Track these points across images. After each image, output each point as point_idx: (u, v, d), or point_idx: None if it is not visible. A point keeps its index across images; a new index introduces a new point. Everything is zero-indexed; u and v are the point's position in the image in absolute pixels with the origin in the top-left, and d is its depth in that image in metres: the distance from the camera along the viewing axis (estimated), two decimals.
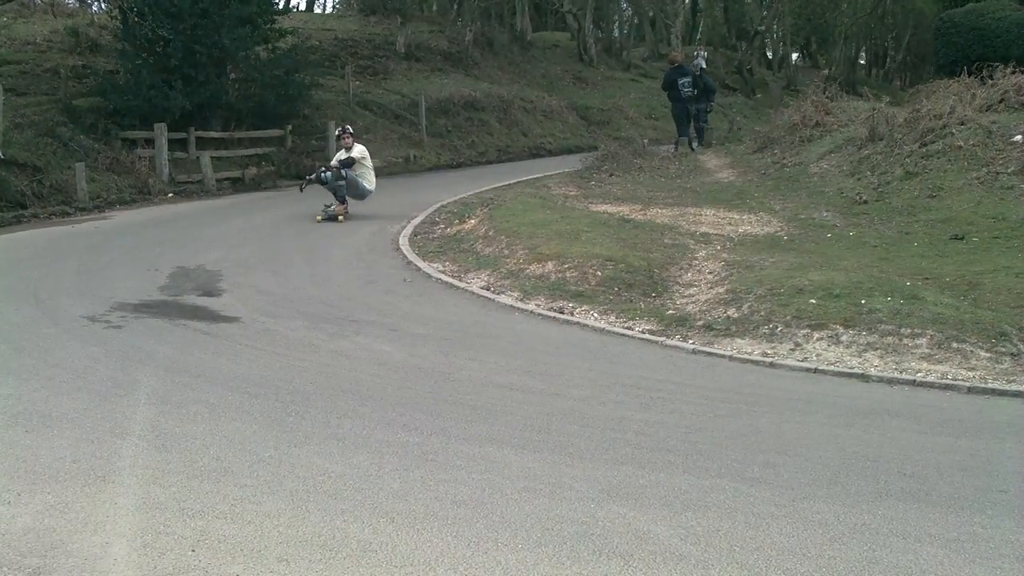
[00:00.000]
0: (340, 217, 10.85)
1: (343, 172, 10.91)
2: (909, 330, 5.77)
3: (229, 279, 7.87)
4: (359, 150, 11.15)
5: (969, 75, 12.91)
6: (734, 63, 32.45)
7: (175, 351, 5.59)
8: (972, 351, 5.53)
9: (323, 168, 11.24)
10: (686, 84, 16.32)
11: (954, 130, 10.47)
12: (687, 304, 6.85)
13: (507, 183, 13.99)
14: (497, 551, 3.06)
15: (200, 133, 14.78)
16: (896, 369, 5.44)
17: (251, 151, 15.64)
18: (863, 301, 6.14)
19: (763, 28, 33.79)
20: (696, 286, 7.25)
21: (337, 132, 11.55)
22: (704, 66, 17.02)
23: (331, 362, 5.49)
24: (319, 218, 10.81)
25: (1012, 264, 7.18)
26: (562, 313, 6.81)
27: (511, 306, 7.09)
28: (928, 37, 29.87)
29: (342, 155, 11.11)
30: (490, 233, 9.23)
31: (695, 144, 16.94)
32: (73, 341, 5.77)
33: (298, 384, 4.97)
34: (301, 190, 11.25)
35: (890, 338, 5.74)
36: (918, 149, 10.53)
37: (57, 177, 12.12)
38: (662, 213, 10.11)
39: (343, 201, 10.97)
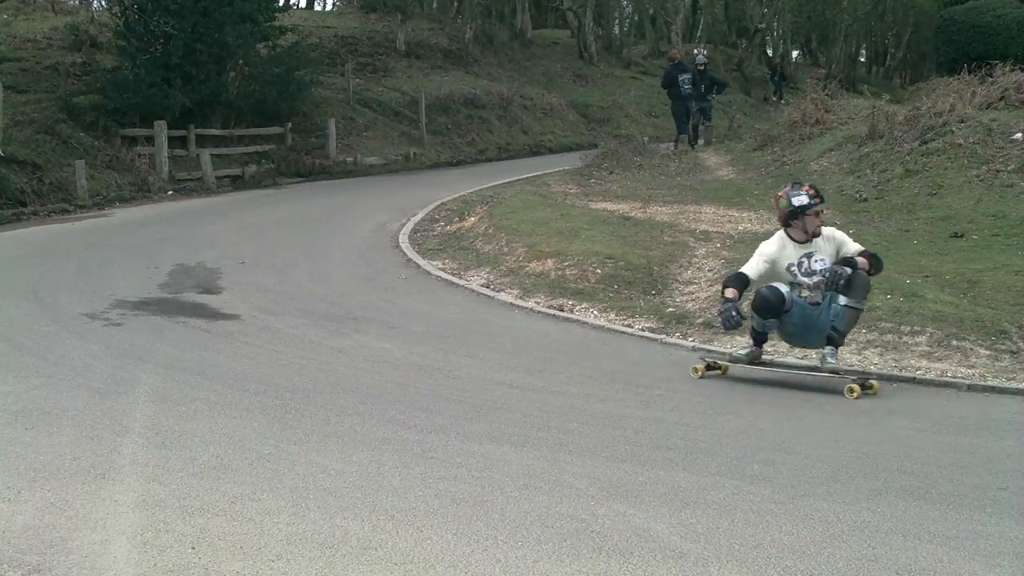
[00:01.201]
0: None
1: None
2: (909, 328, 5.77)
3: (229, 277, 7.86)
4: (842, 235, 5.44)
5: (969, 73, 12.89)
6: (734, 60, 32.41)
7: (175, 349, 5.59)
8: (972, 349, 5.53)
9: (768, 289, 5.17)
10: (686, 81, 16.30)
11: (954, 128, 10.46)
12: (687, 302, 6.84)
13: (507, 181, 13.97)
14: (496, 548, 3.06)
15: (200, 131, 14.77)
16: (896, 367, 5.44)
17: (251, 149, 15.64)
18: None
19: (763, 26, 33.74)
20: (696, 284, 7.25)
21: (803, 199, 5.19)
22: (702, 65, 17.02)
23: (331, 360, 5.49)
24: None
25: (1012, 262, 7.17)
26: (562, 311, 6.81)
27: (511, 304, 7.10)
28: (928, 35, 29.85)
29: (826, 252, 5.25)
30: (490, 231, 9.23)
31: (695, 142, 16.96)
32: (73, 338, 5.77)
33: (298, 382, 4.97)
34: (728, 325, 5.23)
35: (890, 336, 5.74)
36: (918, 147, 10.52)
37: (57, 175, 12.12)
38: (662, 211, 10.09)
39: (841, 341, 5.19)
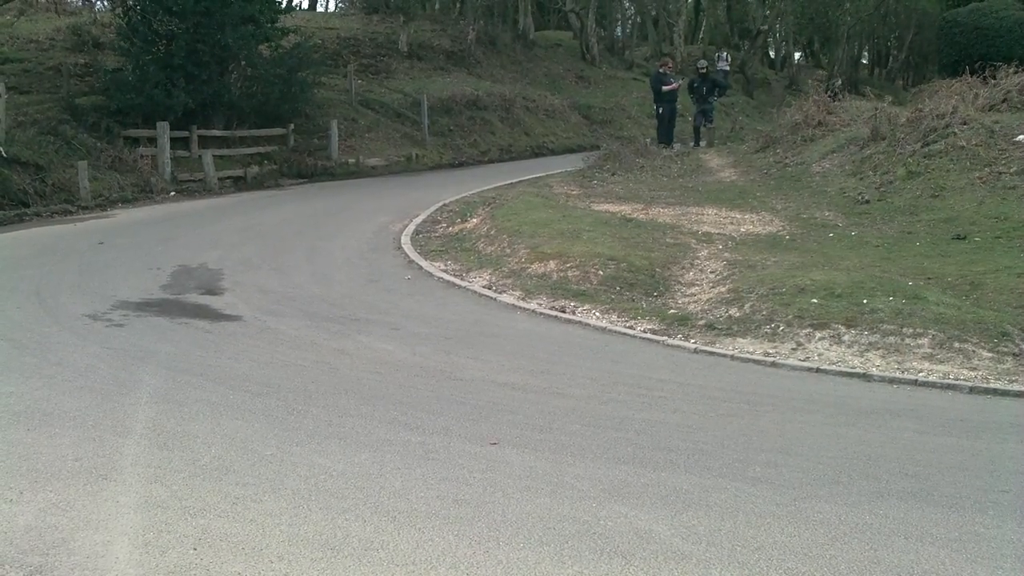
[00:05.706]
0: None
1: None
2: (911, 330, 5.76)
3: (231, 277, 7.87)
4: None
5: (972, 75, 12.89)
6: (737, 62, 32.39)
7: (177, 350, 5.59)
8: (974, 351, 5.52)
9: None
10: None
11: (956, 130, 10.45)
12: (689, 303, 6.84)
13: (509, 182, 13.99)
14: (498, 550, 3.06)
15: (202, 132, 14.79)
16: (898, 369, 5.43)
17: (253, 150, 15.66)
18: (865, 301, 6.13)
19: (766, 27, 33.72)
20: (698, 285, 7.25)
21: None
22: (703, 69, 17.29)
23: (333, 361, 5.49)
24: None
25: (1014, 264, 7.16)
26: (564, 312, 6.81)
27: (513, 305, 7.09)
28: (931, 37, 29.86)
29: None
30: (492, 232, 9.23)
31: (698, 143, 17.13)
32: (75, 339, 5.78)
33: (299, 383, 4.97)
34: None
35: (892, 338, 5.73)
36: (920, 149, 10.51)
37: (59, 175, 12.13)
38: (664, 212, 10.09)
39: None
